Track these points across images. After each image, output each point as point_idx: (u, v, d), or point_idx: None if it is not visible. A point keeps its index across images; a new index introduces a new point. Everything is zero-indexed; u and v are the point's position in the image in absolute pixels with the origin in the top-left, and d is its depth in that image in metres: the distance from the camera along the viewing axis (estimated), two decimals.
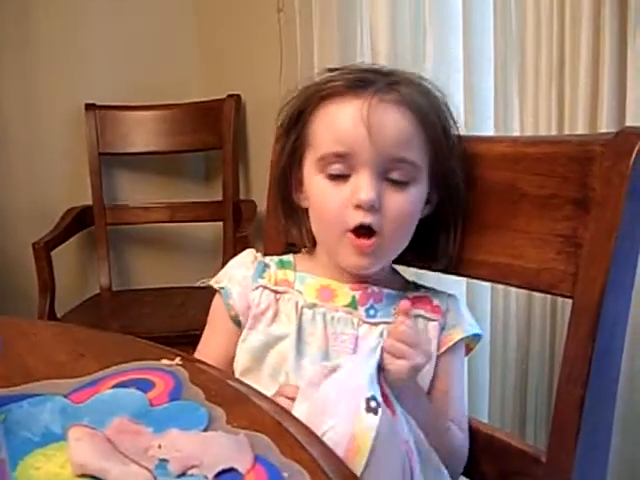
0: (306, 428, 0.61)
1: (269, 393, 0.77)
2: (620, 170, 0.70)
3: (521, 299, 1.30)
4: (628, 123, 1.08)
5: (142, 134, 2.22)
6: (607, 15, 1.07)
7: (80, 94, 2.19)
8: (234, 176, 2.22)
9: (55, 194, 2.23)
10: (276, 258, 0.95)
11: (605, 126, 1.11)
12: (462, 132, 0.90)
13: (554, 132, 1.22)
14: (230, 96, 2.18)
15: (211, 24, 2.24)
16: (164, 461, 0.55)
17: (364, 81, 0.85)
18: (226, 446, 0.56)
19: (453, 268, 0.89)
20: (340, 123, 0.84)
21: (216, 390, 0.67)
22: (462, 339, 0.89)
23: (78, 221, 2.17)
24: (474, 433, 0.85)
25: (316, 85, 0.88)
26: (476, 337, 0.91)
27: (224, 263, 2.35)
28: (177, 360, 0.74)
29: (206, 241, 2.38)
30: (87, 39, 2.21)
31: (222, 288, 0.94)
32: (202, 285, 2.36)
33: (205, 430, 0.60)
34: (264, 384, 0.84)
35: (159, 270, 2.33)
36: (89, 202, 2.19)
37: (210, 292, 2.43)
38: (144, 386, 0.69)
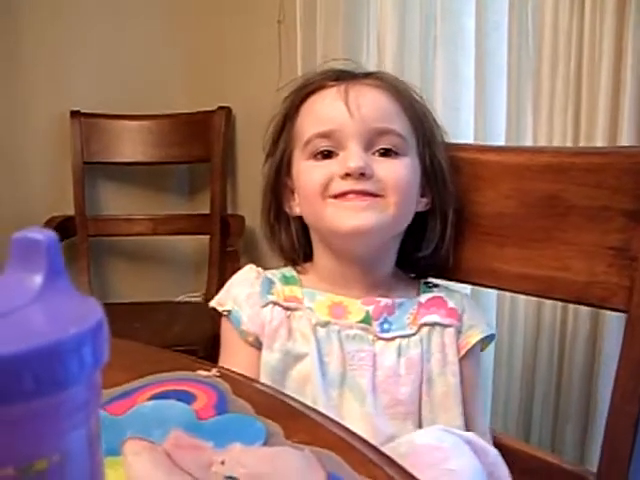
0: (371, 445, 0.58)
1: None
2: None
3: (529, 307, 1.28)
4: None
5: (128, 144, 2.17)
6: (631, 30, 1.06)
7: (65, 101, 2.12)
8: (222, 190, 2.18)
9: (37, 202, 2.15)
10: (277, 273, 0.91)
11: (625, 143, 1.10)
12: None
13: None
14: (221, 108, 2.15)
15: (204, 35, 2.20)
16: (231, 479, 0.50)
17: (343, 72, 0.89)
18: (295, 463, 0.52)
19: (491, 281, 0.86)
20: (320, 107, 0.87)
21: (265, 404, 0.63)
22: (479, 340, 0.87)
23: (59, 231, 2.06)
24: (512, 453, 0.82)
25: (297, 89, 0.90)
26: (490, 337, 0.90)
27: (210, 277, 2.30)
28: (214, 371, 0.70)
29: (190, 255, 2.33)
30: (74, 45, 2.15)
31: (229, 312, 0.89)
32: (184, 300, 2.31)
33: (264, 445, 0.56)
34: None
35: (141, 284, 2.27)
36: (71, 212, 2.12)
37: (193, 307, 2.37)
38: (185, 398, 0.64)
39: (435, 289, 0.91)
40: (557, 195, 0.80)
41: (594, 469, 0.76)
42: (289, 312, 0.86)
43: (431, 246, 0.89)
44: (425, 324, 0.86)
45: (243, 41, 2.07)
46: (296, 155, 0.88)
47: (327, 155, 0.84)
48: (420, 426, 0.83)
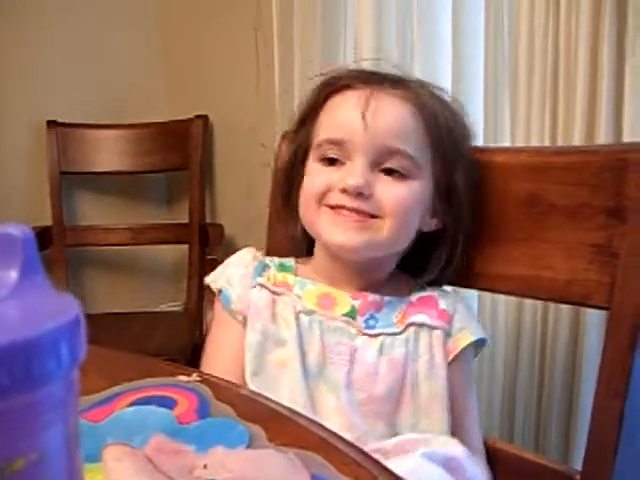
0: (353, 445, 0.57)
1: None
2: None
3: (510, 307, 1.28)
4: (626, 139, 1.08)
5: (105, 153, 2.15)
6: (606, 29, 1.07)
7: (41, 111, 2.10)
8: (200, 198, 2.16)
9: (14, 213, 2.12)
10: (277, 260, 0.91)
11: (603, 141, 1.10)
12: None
13: None
14: (198, 117, 2.14)
15: (180, 43, 2.20)
16: None
17: (376, 74, 0.85)
18: (279, 465, 0.51)
19: (472, 282, 0.86)
20: (339, 111, 0.84)
21: (246, 407, 0.62)
22: (470, 344, 0.85)
23: (37, 242, 2.06)
24: (498, 453, 0.82)
25: (325, 84, 0.87)
26: (480, 342, 0.87)
27: (189, 286, 2.29)
28: (194, 376, 0.69)
29: (169, 264, 2.31)
30: (50, 54, 2.14)
31: (220, 292, 0.88)
32: (164, 310, 2.29)
33: (247, 449, 0.55)
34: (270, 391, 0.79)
35: (120, 294, 2.25)
36: (49, 222, 2.10)
37: (173, 317, 2.35)
38: (165, 403, 0.63)
39: (429, 288, 0.88)
40: (537, 194, 0.80)
41: (579, 468, 0.76)
42: (276, 296, 0.86)
43: (435, 270, 0.87)
44: (412, 324, 0.84)
45: (220, 49, 2.06)
46: (311, 151, 0.87)
47: (334, 161, 0.83)
48: (395, 428, 0.81)
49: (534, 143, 1.22)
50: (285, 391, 0.81)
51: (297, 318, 0.84)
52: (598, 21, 1.09)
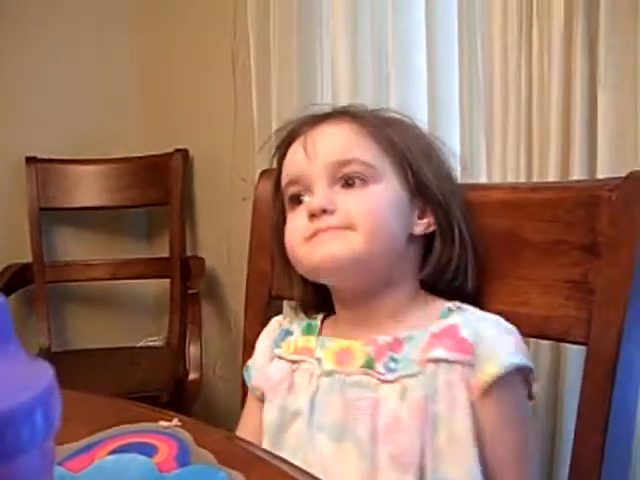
0: None
1: None
2: (633, 213, 0.70)
3: None
4: (600, 174, 1.10)
5: (85, 189, 2.15)
6: (578, 63, 1.09)
7: (20, 147, 2.10)
8: (181, 232, 2.16)
9: None
10: (305, 322, 0.88)
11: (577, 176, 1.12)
12: None
13: None
14: (177, 151, 2.14)
15: (158, 77, 2.21)
16: None
17: (311, 116, 0.86)
18: None
19: None
20: (288, 159, 0.86)
21: (227, 452, 0.62)
22: (501, 376, 0.72)
23: (17, 279, 2.06)
24: None
25: (278, 144, 0.89)
26: (523, 369, 0.75)
27: (171, 321, 2.28)
28: (175, 421, 0.68)
29: (150, 299, 2.30)
30: (28, 91, 2.14)
31: (247, 369, 0.91)
32: (146, 345, 2.27)
33: None
34: None
35: (102, 330, 2.23)
36: (29, 259, 2.09)
37: (155, 352, 2.33)
38: (146, 451, 0.63)
39: (456, 314, 0.78)
40: (513, 231, 0.81)
41: None
42: (295, 365, 0.83)
43: (427, 269, 0.82)
44: (430, 360, 0.75)
45: (198, 83, 2.07)
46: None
47: (301, 201, 0.83)
48: (422, 477, 0.73)
49: (510, 180, 1.23)
50: (300, 461, 0.74)
51: (317, 383, 0.80)
52: (570, 57, 1.11)
